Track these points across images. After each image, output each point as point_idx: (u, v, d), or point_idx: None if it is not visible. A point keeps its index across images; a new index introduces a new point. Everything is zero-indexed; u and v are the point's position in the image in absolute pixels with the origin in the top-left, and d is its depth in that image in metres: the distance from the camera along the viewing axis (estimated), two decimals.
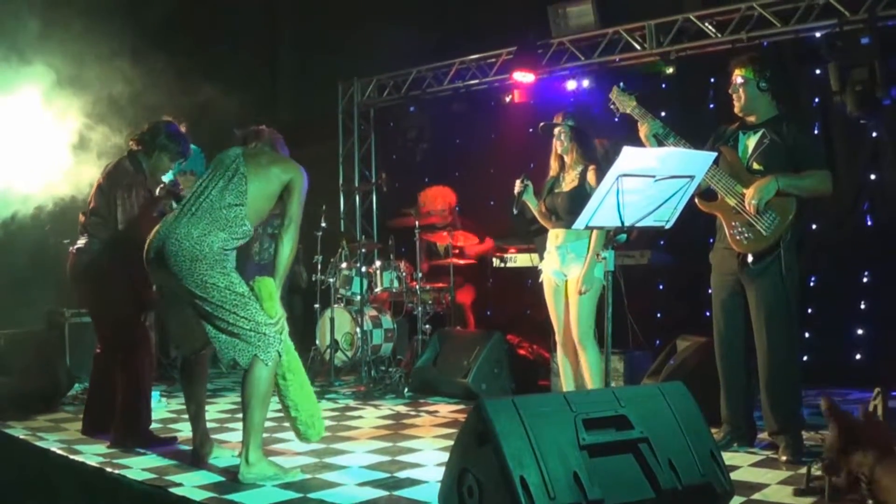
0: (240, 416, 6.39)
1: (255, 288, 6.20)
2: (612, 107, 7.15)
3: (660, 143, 6.80)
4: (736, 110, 6.84)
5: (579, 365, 7.70)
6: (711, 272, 7.00)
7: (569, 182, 7.74)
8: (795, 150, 6.60)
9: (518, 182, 7.72)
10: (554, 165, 7.96)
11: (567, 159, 7.81)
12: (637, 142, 6.73)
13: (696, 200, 6.76)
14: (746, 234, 6.56)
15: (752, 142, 6.77)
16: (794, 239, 6.52)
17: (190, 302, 6.12)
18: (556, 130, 7.82)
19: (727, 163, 6.74)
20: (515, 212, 7.84)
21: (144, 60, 10.41)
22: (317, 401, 6.59)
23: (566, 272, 7.60)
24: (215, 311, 6.03)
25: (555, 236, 7.77)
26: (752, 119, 6.81)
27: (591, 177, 7.53)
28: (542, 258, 8.06)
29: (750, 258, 6.55)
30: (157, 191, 7.58)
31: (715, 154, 6.07)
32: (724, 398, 6.89)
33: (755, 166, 6.65)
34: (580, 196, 7.04)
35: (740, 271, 6.67)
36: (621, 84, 7.17)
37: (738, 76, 6.79)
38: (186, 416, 6.85)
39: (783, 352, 6.55)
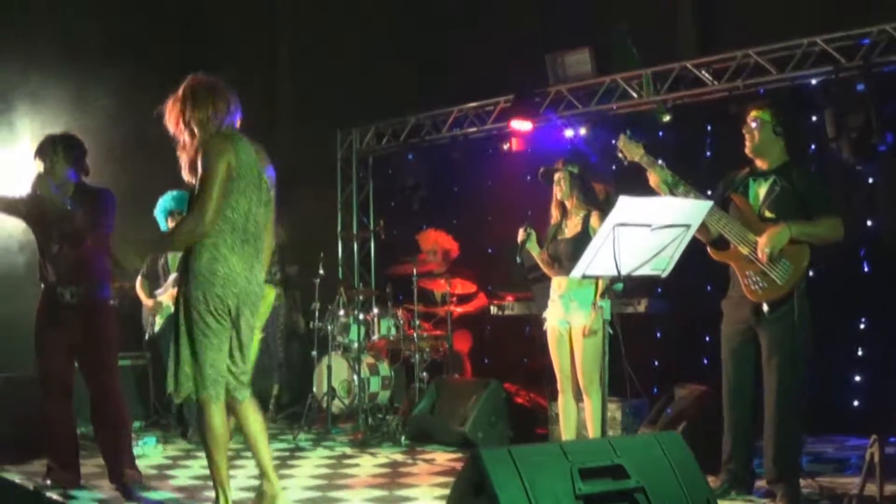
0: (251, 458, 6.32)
1: None
2: (619, 154, 7.12)
3: (670, 192, 6.79)
4: (747, 150, 6.84)
5: (580, 413, 7.71)
6: (723, 320, 6.97)
7: (571, 228, 7.76)
8: (806, 197, 6.62)
9: (521, 230, 7.75)
10: (555, 213, 7.97)
11: (568, 205, 7.84)
12: (632, 190, 6.71)
13: (709, 249, 6.80)
14: (761, 284, 6.56)
15: (762, 189, 6.78)
16: (807, 288, 6.52)
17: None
18: (557, 176, 7.84)
19: (738, 211, 6.75)
20: (519, 260, 7.84)
21: (143, 105, 10.46)
22: None
23: (570, 320, 7.60)
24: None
25: (557, 285, 7.78)
26: (762, 163, 6.83)
27: (594, 222, 7.54)
28: (540, 306, 8.07)
29: (765, 307, 6.54)
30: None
31: (710, 203, 6.08)
32: (730, 444, 6.85)
33: (767, 214, 6.67)
34: (583, 242, 6.92)
35: (754, 321, 6.65)
36: (628, 132, 7.15)
37: (754, 117, 6.81)
38: (183, 462, 6.83)
39: (793, 400, 6.53)
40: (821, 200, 6.67)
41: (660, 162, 6.97)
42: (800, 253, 6.48)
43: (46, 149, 7.22)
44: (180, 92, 6.06)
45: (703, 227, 6.59)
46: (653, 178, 6.89)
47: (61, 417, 7.31)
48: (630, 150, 7.03)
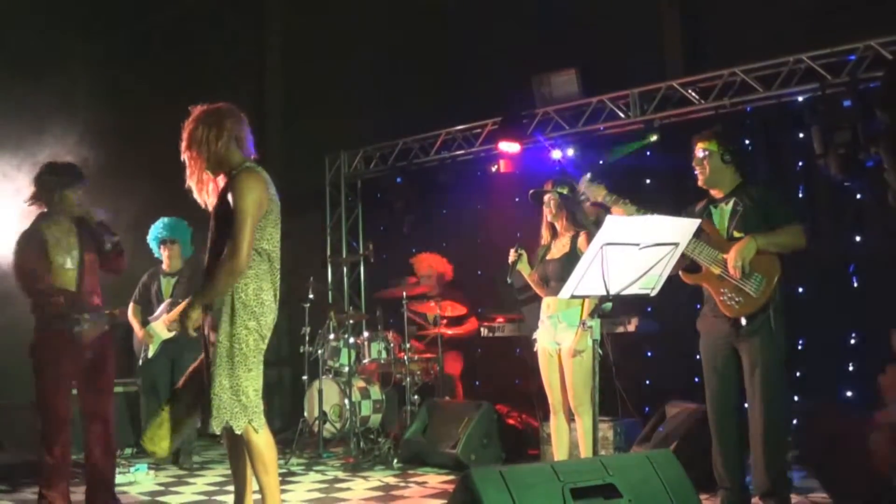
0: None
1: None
2: (581, 198, 7.19)
3: None
4: (700, 183, 6.98)
5: (572, 433, 7.70)
6: (700, 338, 6.99)
7: (560, 249, 7.78)
8: (767, 210, 6.71)
9: (512, 251, 7.79)
10: (545, 234, 8.01)
11: (558, 226, 7.86)
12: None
13: (681, 274, 6.81)
14: (736, 299, 6.59)
15: (724, 213, 6.87)
16: (781, 299, 6.58)
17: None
18: (546, 198, 7.87)
19: (707, 234, 6.78)
20: (510, 281, 7.87)
21: (130, 140, 10.49)
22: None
23: (559, 341, 7.59)
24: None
25: (546, 306, 7.80)
26: (717, 192, 6.94)
27: (581, 242, 7.56)
28: (530, 328, 8.07)
29: (743, 321, 6.57)
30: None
31: (698, 221, 6.10)
32: (722, 462, 6.83)
33: (735, 234, 6.73)
34: (571, 262, 6.93)
35: (734, 336, 6.68)
36: (588, 175, 7.19)
37: (700, 149, 6.95)
38: (175, 489, 6.79)
39: (778, 410, 6.56)
40: (780, 211, 6.80)
41: (626, 200, 6.98)
42: (770, 264, 6.56)
43: (64, 177, 7.24)
44: (192, 121, 6.11)
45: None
46: (618, 214, 6.93)
47: (62, 446, 7.17)
48: (593, 191, 7.11)
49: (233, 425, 5.75)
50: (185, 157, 6.11)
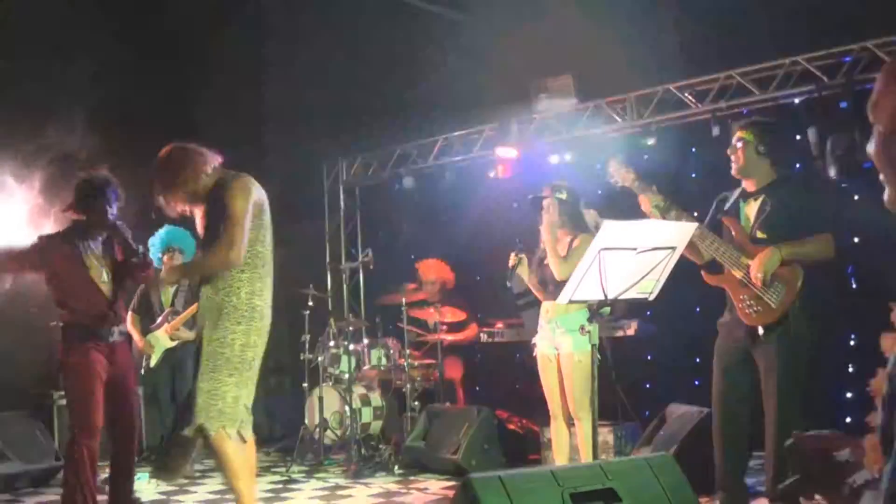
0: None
1: None
2: (611, 180, 7.06)
3: (662, 217, 6.71)
4: (733, 172, 6.78)
5: (572, 438, 7.70)
6: (718, 338, 6.92)
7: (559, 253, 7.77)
8: (798, 214, 6.55)
9: (513, 255, 7.77)
10: (546, 238, 7.98)
11: (558, 231, 7.84)
12: (618, 214, 6.72)
13: (703, 273, 6.76)
14: (755, 308, 6.48)
15: (752, 210, 6.71)
16: (804, 307, 6.48)
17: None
18: (545, 202, 7.84)
19: (730, 234, 6.71)
20: (510, 285, 7.87)
21: (131, 140, 10.46)
22: None
23: (558, 346, 7.59)
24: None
25: (545, 311, 7.78)
26: (749, 184, 6.78)
27: (577, 246, 7.55)
28: (530, 332, 8.07)
29: (760, 330, 6.50)
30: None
31: (695, 225, 6.08)
32: (723, 463, 6.79)
33: (759, 235, 6.58)
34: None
35: (750, 342, 6.62)
36: (619, 156, 7.10)
37: (738, 137, 6.75)
38: (176, 498, 6.79)
39: (793, 416, 6.50)
40: (811, 218, 6.61)
41: (653, 187, 6.91)
42: (793, 274, 6.43)
43: (102, 189, 7.19)
44: (158, 169, 6.19)
45: (696, 250, 6.58)
46: (644, 204, 6.82)
47: (96, 456, 7.02)
48: (621, 174, 6.92)
49: (207, 428, 5.73)
50: (169, 206, 6.21)
